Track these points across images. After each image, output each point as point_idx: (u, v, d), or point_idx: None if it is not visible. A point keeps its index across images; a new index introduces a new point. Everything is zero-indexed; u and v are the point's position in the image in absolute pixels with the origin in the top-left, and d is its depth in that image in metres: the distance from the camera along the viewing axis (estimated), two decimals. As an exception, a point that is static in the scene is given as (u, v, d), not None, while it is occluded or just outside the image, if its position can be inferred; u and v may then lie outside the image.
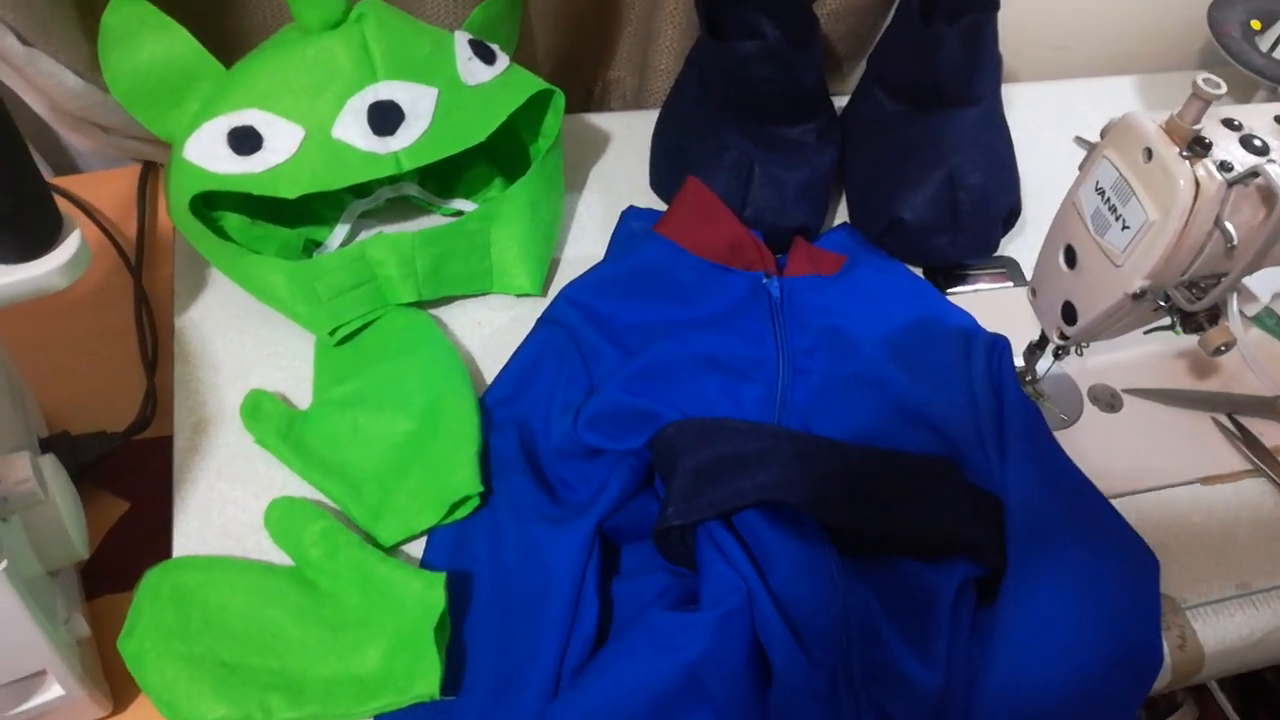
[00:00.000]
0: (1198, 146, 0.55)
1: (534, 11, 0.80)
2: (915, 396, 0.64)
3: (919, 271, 0.78)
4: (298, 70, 0.63)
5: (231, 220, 0.68)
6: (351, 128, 0.63)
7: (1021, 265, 0.81)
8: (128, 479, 0.66)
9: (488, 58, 0.69)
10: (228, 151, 0.62)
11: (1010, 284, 0.80)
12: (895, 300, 0.70)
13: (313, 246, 0.73)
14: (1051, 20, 1.01)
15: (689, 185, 0.71)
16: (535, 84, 0.71)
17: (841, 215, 0.82)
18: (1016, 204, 0.78)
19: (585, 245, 0.77)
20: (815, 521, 0.55)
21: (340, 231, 0.74)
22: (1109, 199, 0.59)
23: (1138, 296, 0.58)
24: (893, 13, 0.79)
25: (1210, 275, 0.59)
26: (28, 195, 0.50)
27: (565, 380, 0.64)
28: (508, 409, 0.65)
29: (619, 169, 0.83)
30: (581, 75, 0.96)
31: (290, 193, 0.63)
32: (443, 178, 0.77)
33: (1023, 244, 0.82)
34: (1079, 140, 0.92)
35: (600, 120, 0.87)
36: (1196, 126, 0.55)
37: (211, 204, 0.68)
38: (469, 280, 0.71)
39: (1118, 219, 0.58)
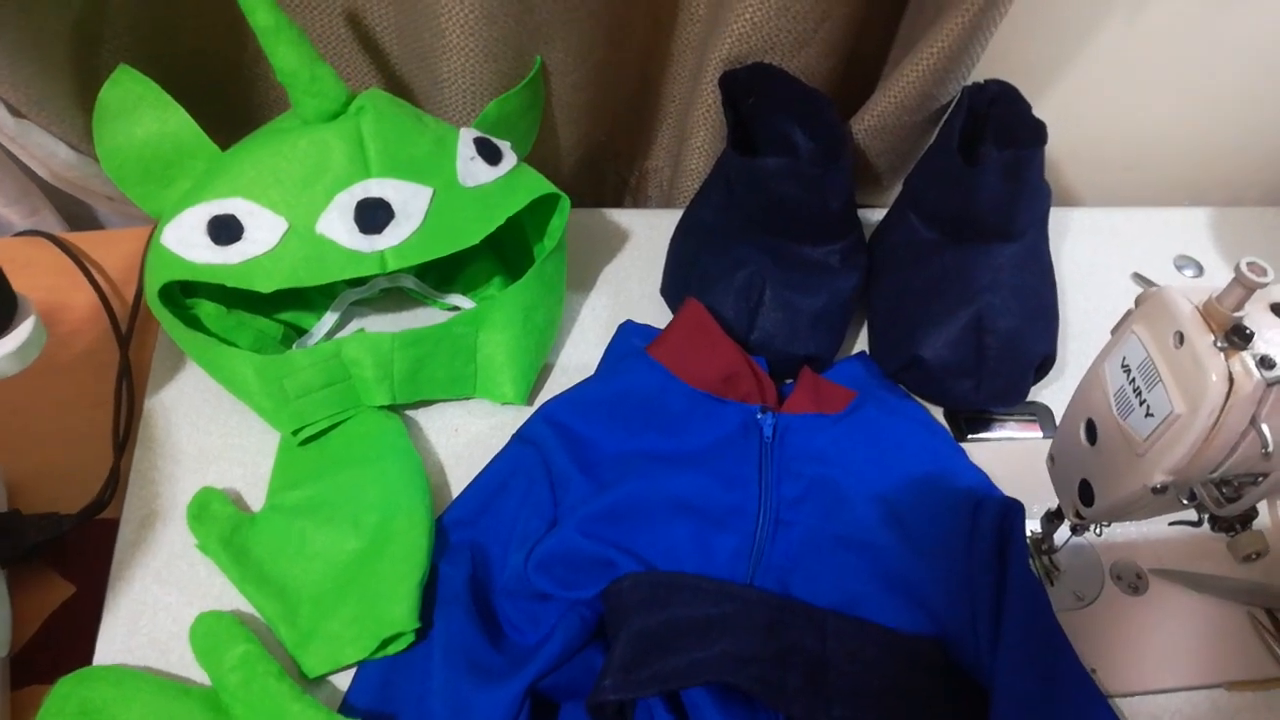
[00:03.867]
0: (1237, 337, 0.48)
1: (566, 102, 0.77)
2: (906, 567, 0.58)
3: (939, 413, 0.73)
4: (288, 161, 0.61)
5: (206, 308, 0.66)
6: (336, 224, 0.61)
7: (1055, 413, 0.74)
8: (78, 561, 0.64)
9: (492, 157, 0.67)
10: (205, 240, 0.60)
11: (1040, 433, 0.74)
12: (901, 451, 0.65)
13: (294, 336, 0.71)
14: (1122, 139, 0.94)
15: (688, 307, 0.67)
16: (540, 187, 0.68)
17: (862, 341, 0.76)
18: (1051, 352, 0.71)
19: (583, 351, 0.73)
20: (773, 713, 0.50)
21: (328, 320, 0.72)
22: (1134, 380, 0.53)
23: (1159, 491, 0.52)
24: (934, 136, 0.74)
25: (1245, 474, 0.52)
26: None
27: (530, 507, 0.60)
28: (466, 531, 0.61)
29: (632, 271, 0.79)
30: (618, 164, 0.93)
31: (266, 287, 0.60)
32: (442, 271, 0.74)
33: (1060, 389, 0.76)
34: (1137, 278, 0.85)
35: (621, 217, 0.83)
36: (1238, 314, 0.49)
37: (190, 289, 0.66)
38: (450, 385, 0.68)
39: (1142, 404, 0.52)
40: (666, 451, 0.62)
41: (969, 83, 0.73)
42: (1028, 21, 0.79)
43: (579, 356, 0.73)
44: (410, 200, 0.62)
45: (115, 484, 0.66)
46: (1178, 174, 0.96)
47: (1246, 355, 0.48)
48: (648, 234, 0.82)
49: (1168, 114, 0.90)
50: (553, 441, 0.62)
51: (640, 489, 0.59)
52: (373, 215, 0.61)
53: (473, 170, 0.65)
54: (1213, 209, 0.92)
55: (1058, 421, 0.73)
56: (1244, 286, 0.48)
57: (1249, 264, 0.48)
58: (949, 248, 0.71)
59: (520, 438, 0.64)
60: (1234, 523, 0.54)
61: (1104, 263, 0.86)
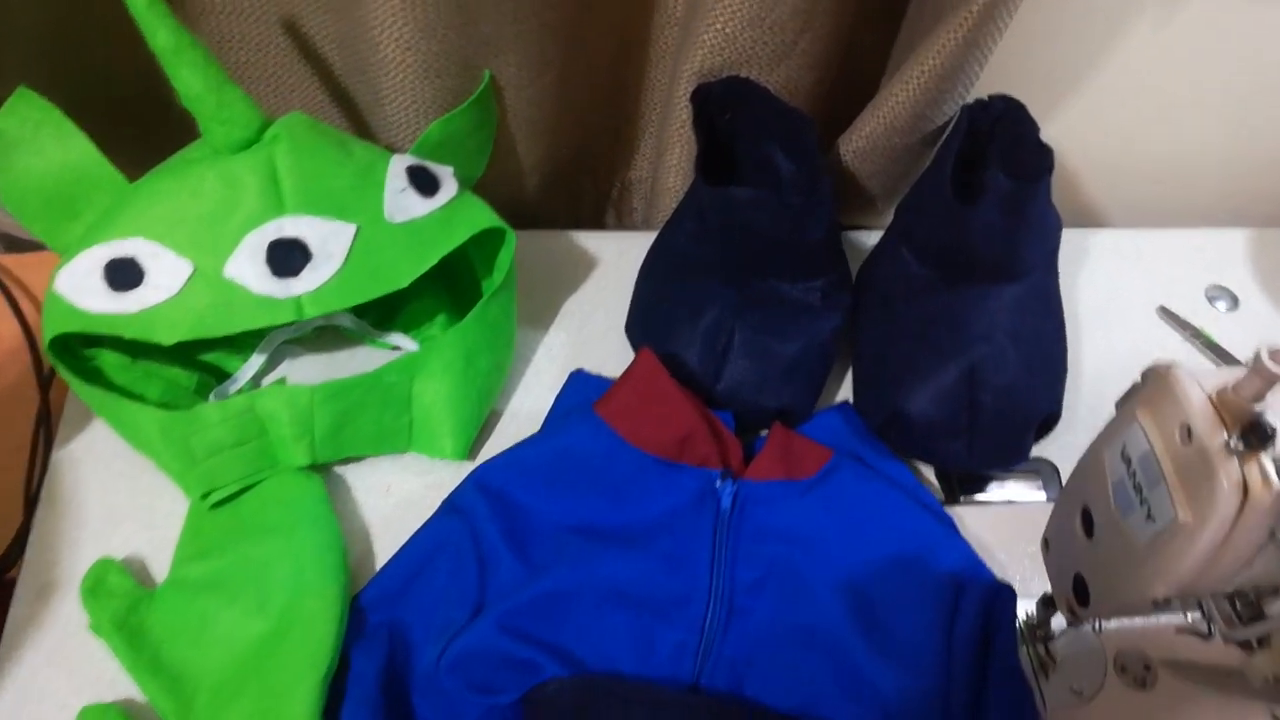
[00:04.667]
0: (1254, 436, 0.41)
1: (524, 118, 0.70)
2: (872, 671, 0.51)
3: (930, 473, 0.65)
4: (194, 196, 0.55)
5: (108, 358, 0.60)
6: (246, 267, 0.55)
7: (1062, 472, 0.67)
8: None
9: (428, 187, 0.60)
10: (102, 286, 0.54)
11: (1043, 495, 0.66)
12: (876, 527, 0.58)
13: (214, 383, 0.65)
14: (1149, 152, 0.85)
15: (640, 360, 0.60)
16: (482, 220, 0.62)
17: (847, 387, 0.69)
18: (1056, 410, 0.64)
19: (537, 397, 0.67)
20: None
21: (255, 362, 0.66)
22: (1135, 474, 0.45)
23: (1161, 604, 0.45)
24: (931, 159, 0.67)
25: (1267, 587, 0.45)
26: None
27: (456, 589, 0.54)
28: (385, 612, 0.55)
29: (598, 302, 0.72)
30: (595, 178, 0.86)
31: (168, 339, 0.54)
32: (382, 308, 0.68)
33: (1069, 444, 0.67)
34: (1163, 313, 0.76)
35: (588, 241, 0.76)
36: (1258, 406, 0.41)
37: (94, 337, 0.60)
38: (381, 439, 0.62)
39: (1143, 504, 0.44)
40: (609, 526, 0.56)
41: (970, 99, 0.65)
42: (1042, 28, 0.70)
43: (531, 402, 0.66)
44: (330, 239, 0.56)
45: (23, 545, 0.60)
46: (1211, 190, 0.87)
47: (1265, 459, 0.40)
48: (617, 260, 0.75)
49: (1200, 125, 0.81)
50: (484, 511, 0.56)
51: (574, 575, 0.53)
52: (287, 257, 0.55)
53: (403, 203, 0.59)
54: (1251, 230, 0.83)
55: (1064, 483, 0.66)
56: (1263, 377, 0.40)
57: (1271, 352, 0.40)
58: (943, 287, 0.63)
59: (450, 505, 0.58)
60: (1251, 640, 0.47)
61: (1127, 292, 0.77)
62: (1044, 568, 0.55)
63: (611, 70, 0.75)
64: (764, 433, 0.64)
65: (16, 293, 0.73)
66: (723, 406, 0.62)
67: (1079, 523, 0.50)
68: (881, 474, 0.62)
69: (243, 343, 0.66)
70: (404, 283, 0.58)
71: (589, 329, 0.71)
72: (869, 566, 0.55)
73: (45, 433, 0.65)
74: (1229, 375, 0.43)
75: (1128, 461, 0.46)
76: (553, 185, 0.80)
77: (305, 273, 0.56)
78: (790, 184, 0.68)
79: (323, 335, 0.68)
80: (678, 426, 0.58)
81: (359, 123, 0.71)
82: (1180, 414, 0.43)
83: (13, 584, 0.59)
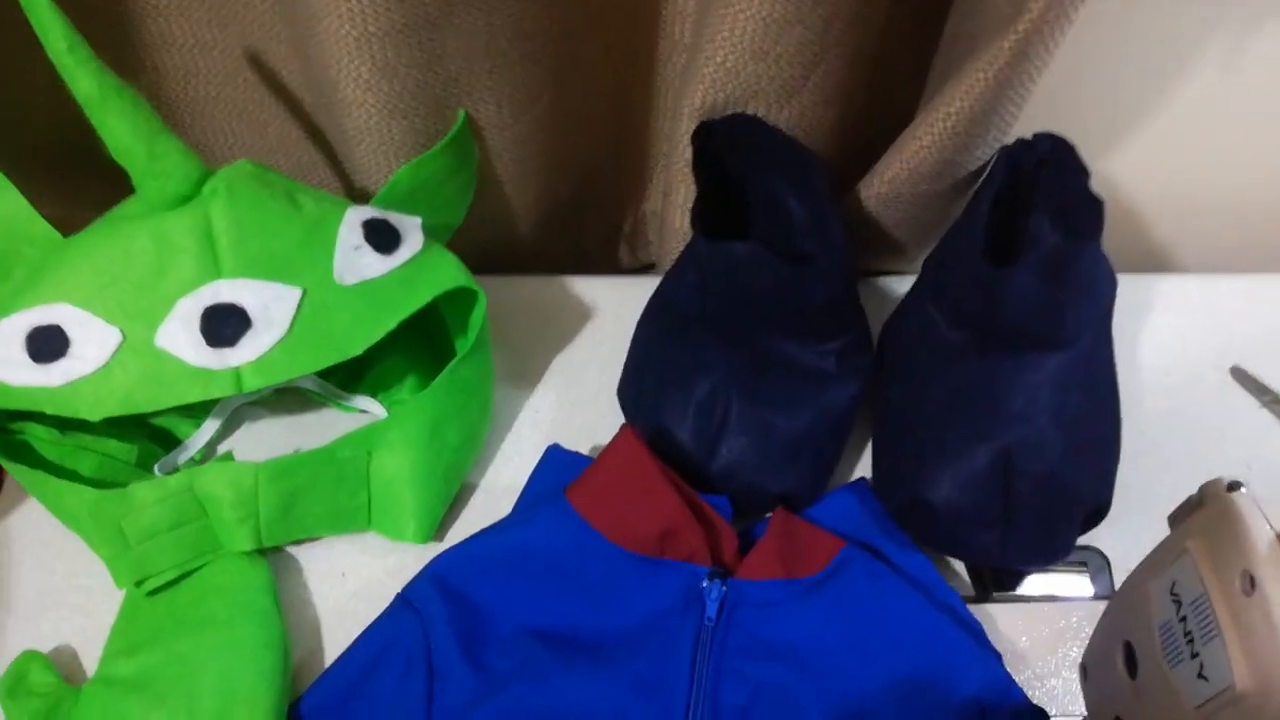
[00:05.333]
0: (1338, 594, 0.33)
1: (510, 158, 0.64)
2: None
3: (960, 567, 0.57)
4: (124, 258, 0.49)
5: (37, 431, 0.56)
6: (179, 336, 0.49)
7: (1113, 564, 0.58)
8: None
9: (387, 243, 0.54)
10: (23, 357, 0.49)
11: (1090, 590, 0.57)
12: (887, 638, 0.50)
13: (160, 452, 0.60)
14: (1223, 187, 0.75)
15: (621, 440, 0.53)
16: (449, 279, 0.55)
17: (866, 461, 0.61)
18: (1105, 499, 0.55)
19: (516, 468, 0.60)
20: None
21: (208, 429, 0.61)
22: (1185, 619, 0.37)
23: (1218, 780, 0.37)
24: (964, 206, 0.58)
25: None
26: None
27: (402, 702, 0.48)
28: (325, 724, 0.49)
29: (591, 360, 0.66)
30: (603, 213, 0.79)
31: (93, 415, 0.49)
32: (350, 366, 0.62)
33: (1124, 529, 0.58)
34: (1238, 373, 0.67)
35: (584, 287, 0.70)
36: (1343, 555, 0.33)
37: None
38: (335, 520, 0.56)
39: (1194, 656, 0.36)
40: (577, 634, 0.49)
41: (1010, 140, 0.57)
42: (1096, 55, 0.62)
43: (511, 474, 0.60)
44: (272, 305, 0.50)
45: (-46, 624, 0.56)
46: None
47: (1352, 625, 0.32)
48: (617, 309, 0.68)
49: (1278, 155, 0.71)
50: (439, 611, 0.50)
51: (532, 696, 0.46)
52: (223, 325, 0.50)
53: (356, 263, 0.53)
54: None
55: (1115, 579, 0.57)
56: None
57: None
58: (975, 355, 0.55)
59: (404, 600, 0.52)
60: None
61: (1195, 349, 0.68)
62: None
63: (614, 97, 0.68)
64: (766, 517, 0.57)
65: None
66: (718, 489, 0.55)
67: (1121, 659, 0.42)
68: (899, 569, 0.54)
69: (197, 405, 0.61)
70: (357, 350, 0.52)
71: (580, 389, 0.64)
72: (876, 691, 0.48)
73: (-9, 500, 0.61)
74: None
75: (1178, 602, 0.38)
76: (553, 223, 0.74)
77: (244, 341, 0.50)
78: (800, 231, 0.61)
79: (285, 396, 0.63)
80: (659, 518, 0.51)
81: (334, 162, 0.66)
82: (1243, 558, 0.34)
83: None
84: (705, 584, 0.51)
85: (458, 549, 0.53)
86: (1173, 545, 0.39)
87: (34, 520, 0.57)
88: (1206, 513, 0.37)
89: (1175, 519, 0.41)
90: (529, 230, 0.72)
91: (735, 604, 0.50)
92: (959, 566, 0.58)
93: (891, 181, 0.58)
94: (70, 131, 0.60)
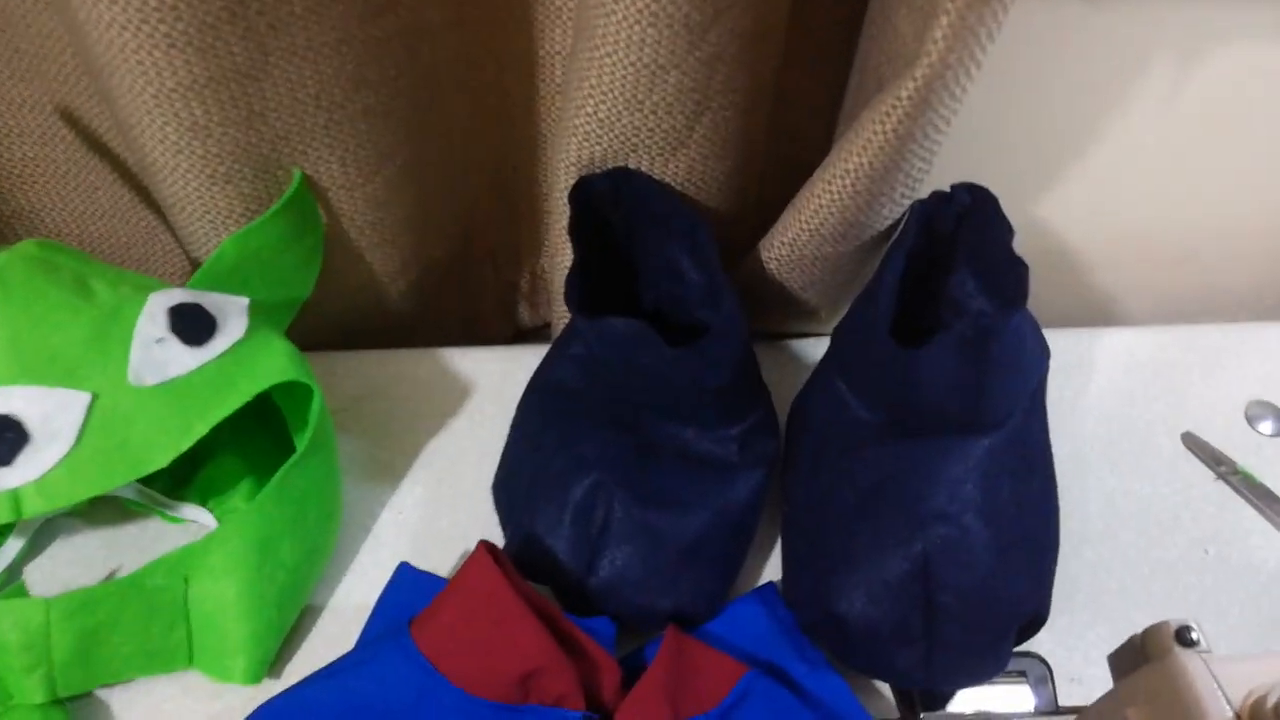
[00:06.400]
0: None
1: (366, 221, 0.56)
2: None
3: (884, 685, 0.50)
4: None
5: None
6: (-57, 454, 0.41)
7: (1055, 671, 0.51)
8: None
9: (197, 334, 0.46)
10: None
11: (1031, 704, 0.50)
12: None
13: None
14: (1173, 230, 0.69)
15: (473, 561, 0.45)
16: (274, 372, 0.47)
17: (775, 563, 0.53)
18: (1042, 609, 0.48)
19: (373, 583, 0.51)
20: None
21: (11, 548, 0.52)
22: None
23: None
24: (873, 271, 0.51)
25: None
26: None
27: None
28: None
29: (470, 445, 0.58)
30: (495, 267, 0.71)
31: None
32: (173, 471, 0.54)
33: (1067, 629, 0.52)
34: (1191, 440, 0.60)
35: (463, 361, 0.62)
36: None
37: None
38: (148, 660, 0.47)
39: None
40: (421, 803, 0.41)
41: (924, 193, 0.50)
42: (1025, 95, 0.55)
43: (364, 591, 0.52)
44: (54, 414, 0.42)
45: None
46: (1250, 274, 0.71)
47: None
48: (501, 385, 0.60)
49: (1234, 199, 0.65)
50: (258, 777, 0.42)
51: None
52: (-5, 441, 0.41)
53: (158, 358, 0.44)
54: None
55: (1059, 689, 0.50)
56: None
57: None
58: (890, 439, 0.48)
59: (219, 763, 0.44)
60: None
61: (1144, 414, 0.61)
62: None
63: (490, 148, 0.61)
64: (657, 638, 0.49)
65: None
66: (598, 609, 0.47)
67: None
68: (810, 695, 0.46)
69: (-4, 522, 0.52)
70: (160, 463, 0.44)
71: (454, 484, 0.56)
72: None
73: None
74: (1268, 667, 0.28)
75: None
76: (433, 287, 0.66)
77: (21, 460, 0.42)
78: (697, 299, 0.53)
79: (102, 505, 0.54)
80: (520, 658, 0.43)
81: (156, 235, 0.58)
82: (1194, 741, 0.27)
83: None
84: (578, 732, 0.43)
85: (282, 698, 0.44)
86: (1110, 712, 0.32)
87: None
88: (1151, 674, 0.30)
89: (1116, 665, 0.34)
90: (402, 298, 0.64)
91: (613, 755, 0.42)
92: (883, 685, 0.50)
93: (792, 244, 0.51)
94: None
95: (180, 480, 0.54)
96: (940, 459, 0.47)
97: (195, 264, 0.56)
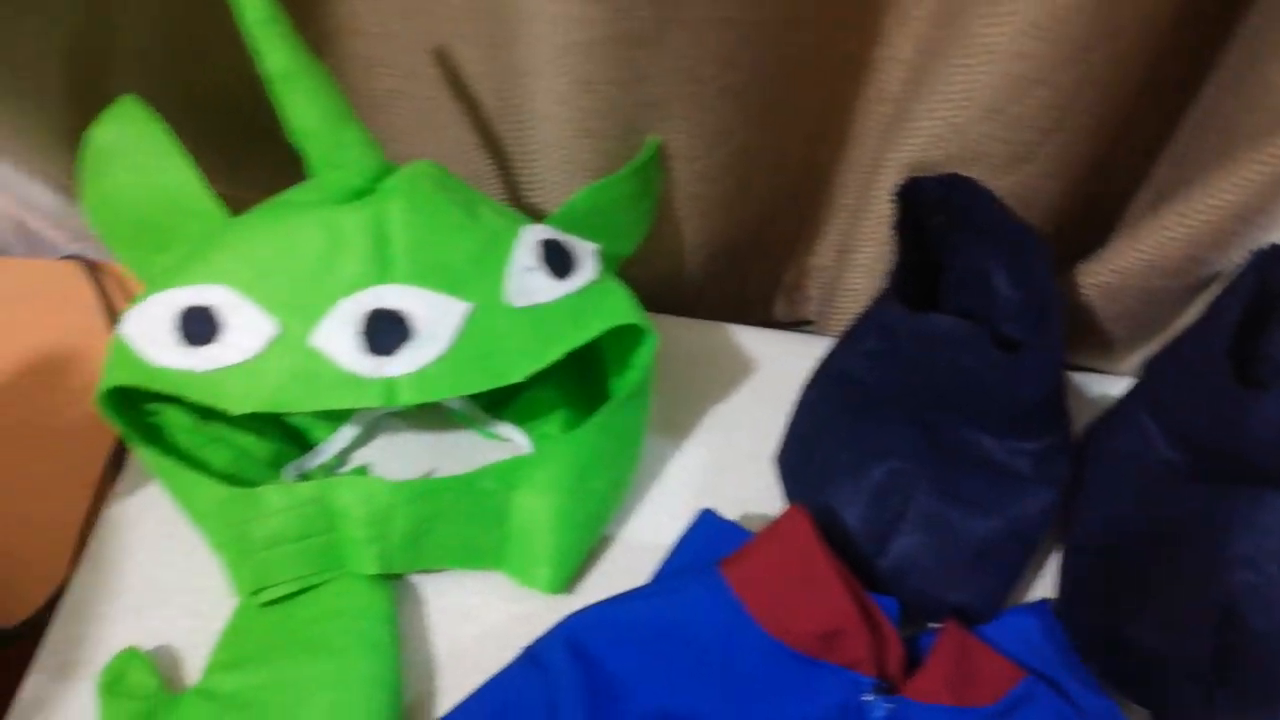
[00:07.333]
0: None
1: (691, 193, 0.60)
2: None
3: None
4: (291, 248, 0.46)
5: (174, 415, 0.53)
6: (336, 337, 0.46)
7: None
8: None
9: (561, 267, 0.50)
10: (173, 336, 0.47)
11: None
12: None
13: (295, 452, 0.57)
14: None
15: (788, 520, 0.47)
16: (620, 314, 0.51)
17: (1045, 583, 0.54)
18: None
19: (660, 525, 0.55)
20: None
21: (345, 435, 0.57)
22: None
23: None
24: (1199, 311, 0.52)
25: None
26: None
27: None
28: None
29: (745, 419, 0.60)
30: (769, 261, 0.74)
31: (236, 408, 0.46)
32: (496, 390, 0.58)
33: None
34: None
35: (748, 338, 0.65)
36: None
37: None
38: (466, 554, 0.52)
39: None
40: (719, 728, 0.44)
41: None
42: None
43: (651, 533, 0.55)
44: (438, 317, 0.47)
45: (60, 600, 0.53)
46: None
47: None
48: (776, 366, 0.63)
49: None
50: (570, 677, 0.45)
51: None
52: (386, 331, 0.46)
53: (527, 285, 0.49)
54: None
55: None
56: None
57: None
58: (1198, 483, 0.49)
59: (531, 657, 0.47)
60: None
61: None
62: None
63: (806, 144, 0.64)
64: (933, 626, 0.51)
65: (123, 307, 0.68)
66: (883, 589, 0.49)
67: None
68: (1085, 713, 0.47)
69: (332, 410, 0.58)
70: (517, 377, 0.48)
71: (731, 450, 0.59)
72: None
73: (112, 472, 0.59)
74: None
75: None
76: (718, 266, 0.69)
77: (403, 352, 0.46)
78: (1006, 313, 0.55)
79: (426, 412, 0.59)
80: (826, 616, 0.45)
81: (506, 174, 0.62)
82: None
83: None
84: (869, 698, 0.45)
85: (595, 610, 0.48)
86: None
87: (152, 509, 0.55)
88: None
89: None
90: (693, 271, 0.67)
91: (900, 724, 0.44)
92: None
93: (1122, 272, 0.52)
94: (248, 109, 0.59)
95: (499, 401, 0.59)
96: (1252, 506, 0.47)
97: (526, 210, 0.60)
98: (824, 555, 0.46)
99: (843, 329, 0.67)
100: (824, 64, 0.59)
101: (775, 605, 0.46)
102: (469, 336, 0.47)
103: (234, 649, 0.49)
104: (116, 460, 0.59)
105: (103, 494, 0.58)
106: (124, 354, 0.47)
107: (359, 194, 0.47)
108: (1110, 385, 0.60)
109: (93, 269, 0.69)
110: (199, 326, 0.46)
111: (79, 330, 0.66)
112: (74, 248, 0.72)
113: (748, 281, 0.75)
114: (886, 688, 0.45)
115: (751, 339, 0.65)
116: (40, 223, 0.69)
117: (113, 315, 0.66)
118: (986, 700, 0.46)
